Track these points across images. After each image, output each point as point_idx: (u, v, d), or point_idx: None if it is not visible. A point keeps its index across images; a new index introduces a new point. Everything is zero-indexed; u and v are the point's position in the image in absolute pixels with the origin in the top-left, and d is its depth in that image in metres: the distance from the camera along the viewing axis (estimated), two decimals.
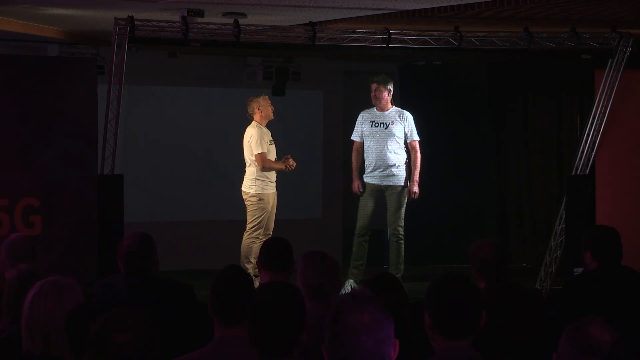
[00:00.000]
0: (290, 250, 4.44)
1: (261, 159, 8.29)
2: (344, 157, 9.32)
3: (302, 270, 4.09)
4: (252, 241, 8.25)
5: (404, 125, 8.43)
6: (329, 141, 11.28)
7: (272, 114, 8.46)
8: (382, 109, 8.50)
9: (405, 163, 8.48)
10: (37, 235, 7.07)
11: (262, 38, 8.14)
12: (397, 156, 8.45)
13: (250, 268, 7.93)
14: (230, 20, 7.88)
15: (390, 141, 8.43)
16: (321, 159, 11.27)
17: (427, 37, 8.18)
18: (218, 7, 7.68)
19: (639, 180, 8.50)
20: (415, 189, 8.41)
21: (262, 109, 8.40)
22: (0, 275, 4.47)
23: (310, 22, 8.10)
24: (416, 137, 8.47)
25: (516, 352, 4.19)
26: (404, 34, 8.13)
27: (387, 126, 8.44)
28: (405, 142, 8.48)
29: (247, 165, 8.42)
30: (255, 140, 8.30)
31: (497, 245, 4.62)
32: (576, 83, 9.97)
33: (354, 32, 8.12)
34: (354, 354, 2.37)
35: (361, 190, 8.60)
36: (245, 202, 8.38)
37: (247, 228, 8.33)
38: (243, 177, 8.45)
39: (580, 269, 7.61)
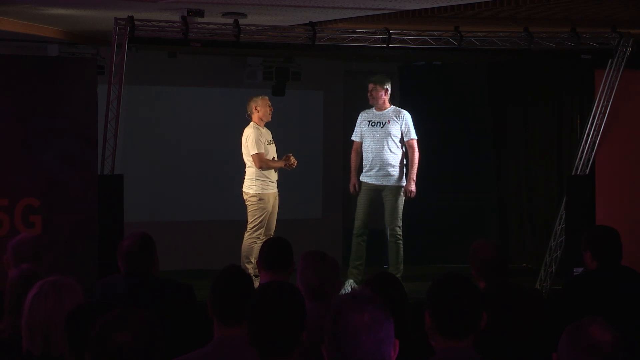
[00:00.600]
0: (290, 250, 4.44)
1: (258, 159, 8.29)
2: (344, 157, 9.32)
3: (302, 270, 4.09)
4: (252, 241, 8.25)
5: (400, 124, 8.42)
6: (329, 141, 11.28)
7: (270, 115, 8.44)
8: (380, 109, 8.51)
9: (403, 164, 8.47)
10: (37, 235, 7.06)
11: (262, 38, 8.14)
12: (394, 155, 8.44)
13: (251, 268, 7.93)
14: (230, 20, 7.88)
15: (387, 140, 8.42)
16: (321, 159, 11.27)
17: (427, 37, 8.18)
18: (218, 7, 7.68)
19: (639, 180, 8.50)
20: (412, 187, 8.39)
21: (260, 109, 8.39)
22: (5, 275, 4.47)
23: (310, 22, 8.10)
24: (414, 136, 8.45)
25: (516, 352, 4.19)
26: (404, 34, 8.13)
27: (384, 125, 8.45)
28: (403, 141, 8.47)
29: (247, 166, 8.42)
30: (251, 141, 8.30)
31: (497, 245, 4.63)
32: (576, 83, 9.97)
33: (354, 32, 8.12)
34: (354, 354, 2.37)
35: (357, 190, 8.60)
36: (246, 203, 8.39)
37: (248, 228, 8.33)
38: (243, 178, 8.45)
39: (580, 269, 7.62)
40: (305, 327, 2.83)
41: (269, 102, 8.49)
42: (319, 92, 11.30)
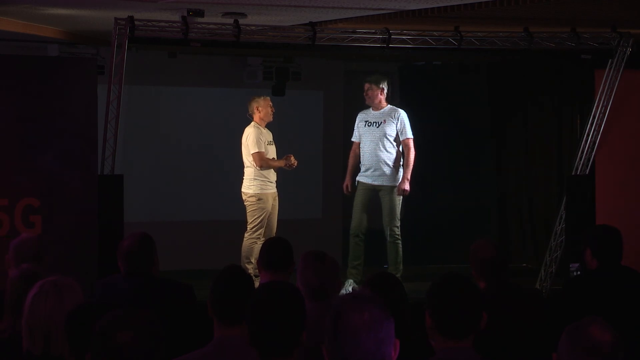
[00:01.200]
0: (290, 250, 4.44)
1: (258, 157, 8.29)
2: (344, 157, 9.32)
3: (302, 270, 4.09)
4: (252, 242, 8.25)
5: (396, 123, 8.40)
6: (329, 141, 11.28)
7: (272, 116, 8.44)
8: (377, 108, 8.50)
9: (400, 163, 8.43)
10: (39, 235, 7.05)
11: (262, 38, 8.14)
12: (389, 155, 8.40)
13: (251, 268, 7.93)
14: (230, 20, 7.88)
15: (383, 140, 8.39)
16: (321, 159, 11.27)
17: (427, 37, 8.18)
18: (218, 7, 7.68)
19: (639, 180, 8.50)
20: (406, 186, 8.35)
21: (261, 109, 8.40)
22: (5, 275, 4.47)
23: (310, 22, 8.10)
24: (409, 135, 8.41)
25: (516, 352, 4.19)
26: (404, 34, 8.13)
27: (380, 125, 8.43)
28: (399, 141, 8.44)
29: (246, 166, 8.42)
30: (252, 140, 8.30)
31: (497, 245, 4.63)
32: (576, 83, 9.97)
33: (354, 32, 8.12)
34: (354, 354, 2.37)
35: (349, 190, 8.59)
36: (245, 203, 8.38)
37: (248, 228, 8.33)
38: (243, 178, 8.45)
39: (577, 265, 7.62)
40: (305, 327, 2.83)
41: (270, 103, 8.49)
42: (319, 92, 11.31)
